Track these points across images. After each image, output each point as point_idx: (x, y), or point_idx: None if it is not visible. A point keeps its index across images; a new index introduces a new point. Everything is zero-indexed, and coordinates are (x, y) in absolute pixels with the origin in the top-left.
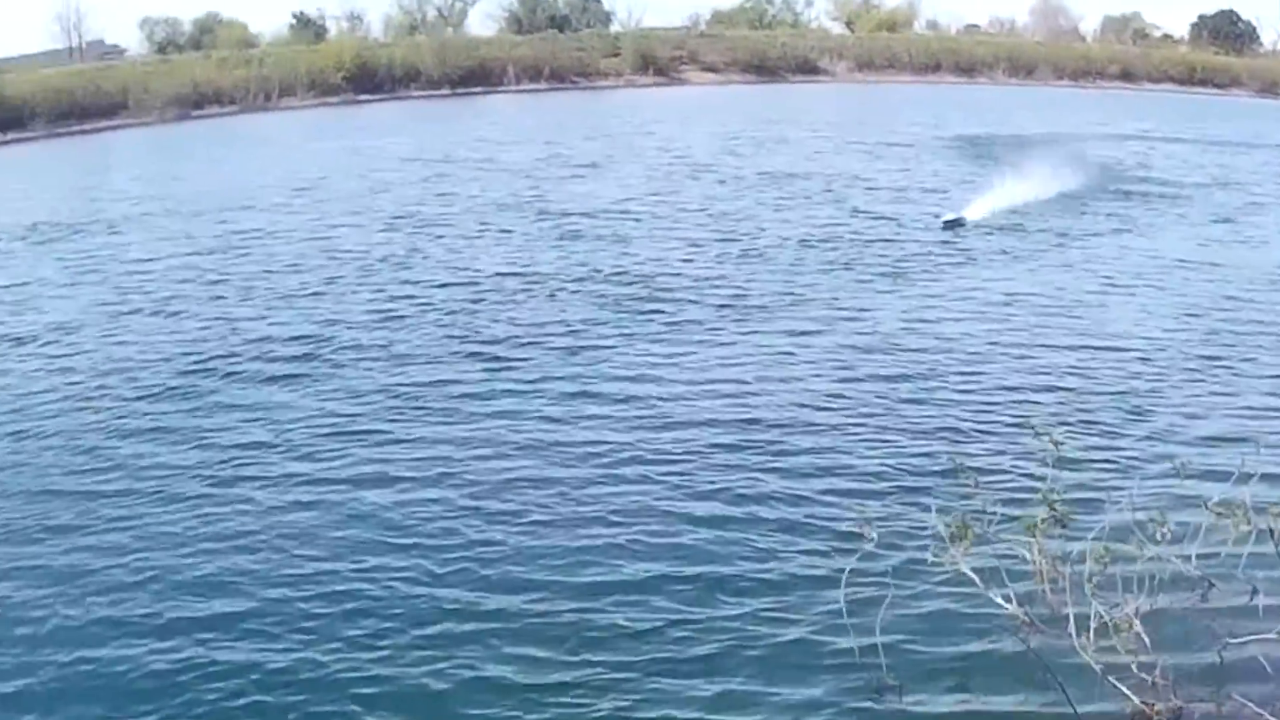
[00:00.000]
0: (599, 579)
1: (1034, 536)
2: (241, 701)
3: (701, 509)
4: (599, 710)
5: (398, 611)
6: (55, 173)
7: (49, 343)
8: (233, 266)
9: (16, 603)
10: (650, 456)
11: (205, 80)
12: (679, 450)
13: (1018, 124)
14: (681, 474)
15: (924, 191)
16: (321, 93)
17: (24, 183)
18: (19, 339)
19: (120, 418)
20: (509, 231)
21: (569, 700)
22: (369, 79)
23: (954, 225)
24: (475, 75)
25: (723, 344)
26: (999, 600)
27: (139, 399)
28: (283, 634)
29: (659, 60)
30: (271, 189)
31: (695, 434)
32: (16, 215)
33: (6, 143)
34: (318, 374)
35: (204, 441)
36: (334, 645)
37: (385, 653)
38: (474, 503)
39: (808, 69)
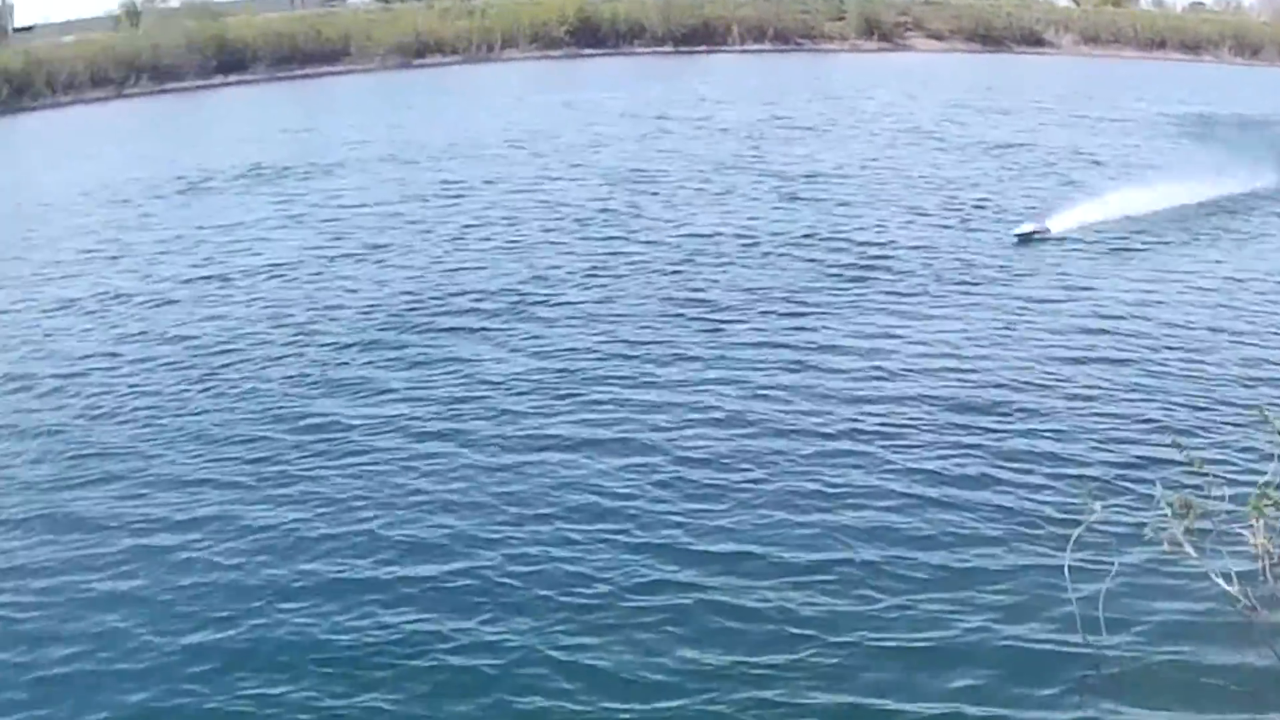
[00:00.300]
0: (812, 559)
1: (1257, 519)
2: (437, 667)
3: (917, 489)
4: (813, 699)
5: (601, 583)
6: (275, 116)
7: (258, 284)
8: (446, 216)
9: (213, 553)
10: (865, 432)
11: (427, 30)
12: (894, 427)
13: (1244, 104)
14: (896, 451)
15: (1147, 168)
16: (543, 45)
17: (244, 125)
18: (228, 279)
19: (324, 366)
20: (728, 192)
21: (782, 684)
22: (591, 33)
23: (1030, 238)
24: (698, 33)
25: (942, 317)
26: (1220, 582)
27: (343, 347)
28: (478, 601)
29: (883, 25)
30: (490, 140)
31: (911, 411)
32: (236, 157)
33: (228, 85)
34: (526, 330)
35: (408, 395)
36: (533, 616)
37: (585, 625)
38: (681, 471)
39: (1032, 40)
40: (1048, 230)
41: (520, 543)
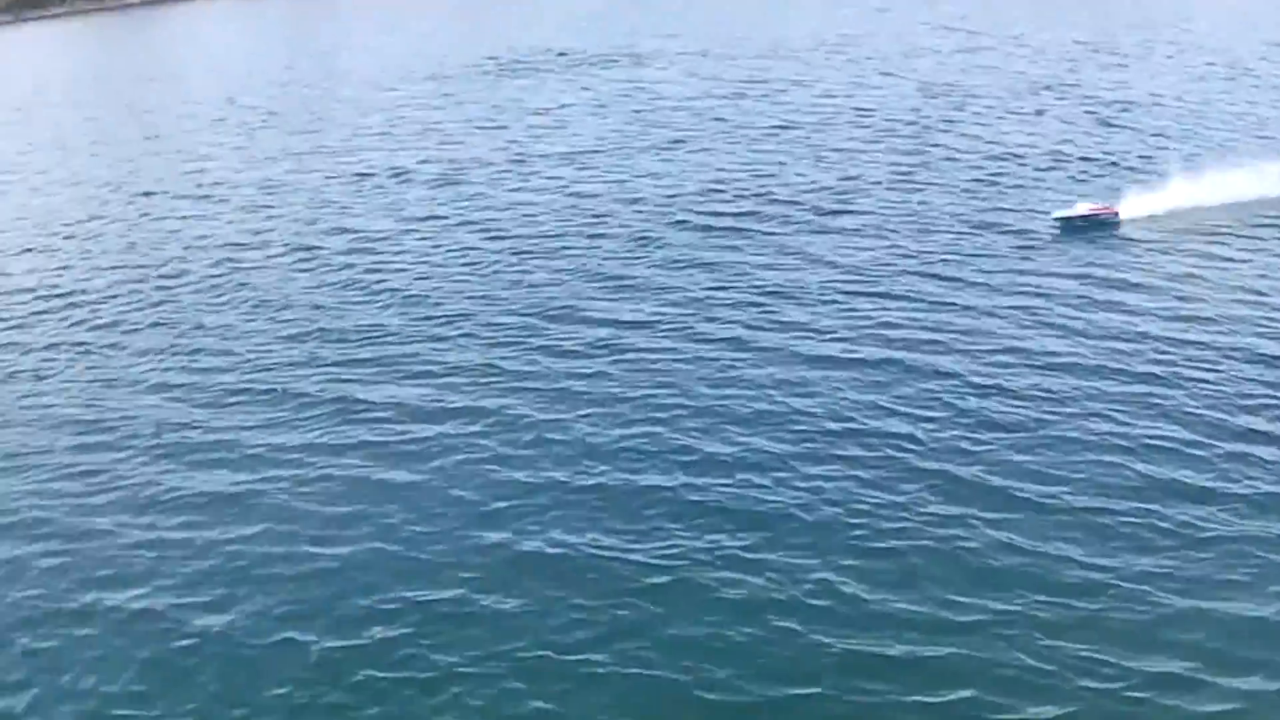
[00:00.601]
0: (1108, 506)
1: None
2: (709, 585)
3: (1220, 444)
4: (1114, 656)
5: (886, 511)
6: (589, 2)
7: (557, 172)
8: (752, 116)
9: (493, 449)
10: (1168, 378)
11: None
12: (1198, 374)
13: None
14: (1199, 400)
15: None
16: None
17: (557, 10)
18: (528, 164)
19: (613, 260)
20: (1039, 112)
21: (1077, 637)
22: None
23: (1075, 224)
24: None
25: (1252, 261)
26: None
27: (634, 242)
28: (755, 520)
29: None
30: (802, 42)
31: (1216, 359)
32: (547, 41)
33: None
34: (825, 240)
35: (695, 297)
36: (811, 541)
37: (866, 553)
38: (978, 403)
39: None
40: (1114, 216)
41: (801, 462)
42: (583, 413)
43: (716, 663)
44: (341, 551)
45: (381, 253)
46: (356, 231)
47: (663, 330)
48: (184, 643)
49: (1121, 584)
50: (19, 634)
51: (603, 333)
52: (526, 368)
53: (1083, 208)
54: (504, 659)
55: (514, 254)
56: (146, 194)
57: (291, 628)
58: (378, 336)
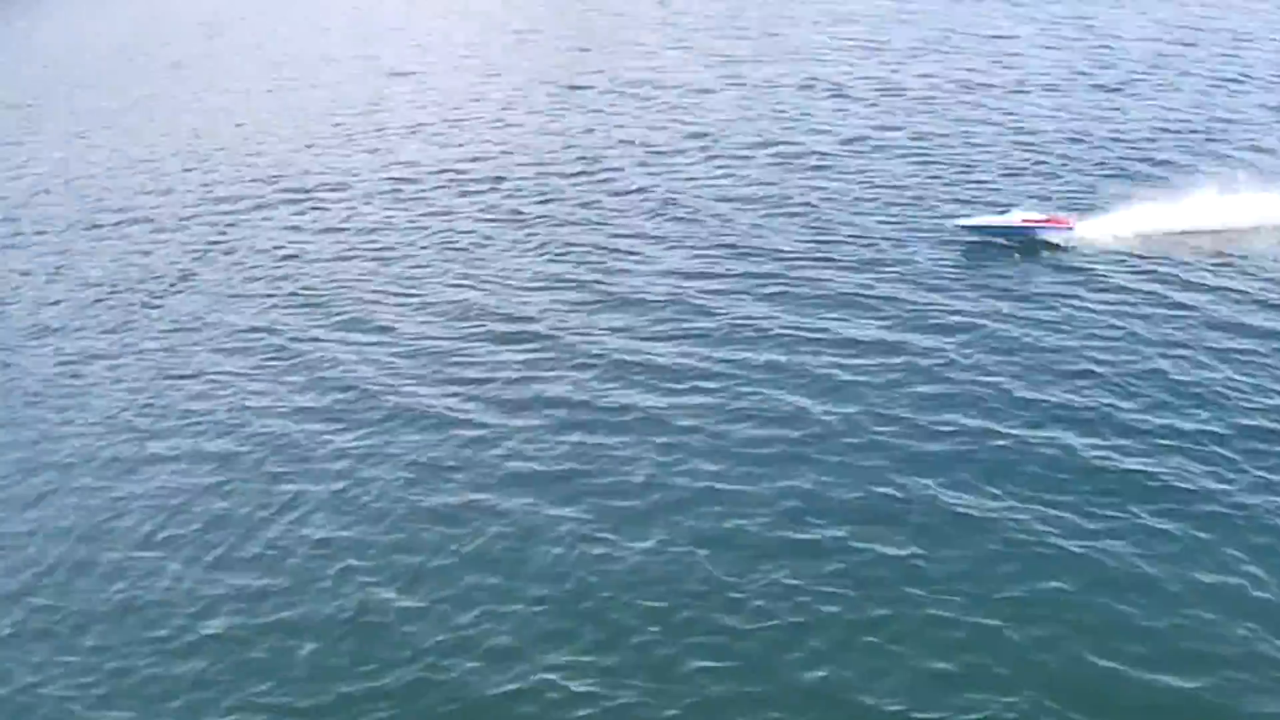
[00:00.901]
0: None
1: None
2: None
3: None
4: None
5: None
6: None
7: (1008, 99)
8: (1206, 63)
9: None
10: None
11: None
12: None
13: None
14: None
15: None
16: None
17: None
18: (976, 89)
19: (1065, 194)
20: None
21: None
22: None
23: (982, 234)
24: None
25: None
26: None
27: (1084, 181)
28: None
29: None
30: None
31: None
32: None
33: None
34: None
35: (1139, 251)
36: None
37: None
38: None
39: None
40: (1009, 231)
41: (1238, 439)
42: (1002, 361)
43: (1130, 643)
44: (749, 475)
45: (806, 169)
46: (783, 144)
47: (1098, 282)
48: (565, 550)
49: None
50: (391, 528)
51: (1037, 281)
52: (949, 303)
53: (1019, 216)
54: (906, 604)
55: (948, 184)
56: (573, 88)
57: (689, 548)
58: (791, 256)
